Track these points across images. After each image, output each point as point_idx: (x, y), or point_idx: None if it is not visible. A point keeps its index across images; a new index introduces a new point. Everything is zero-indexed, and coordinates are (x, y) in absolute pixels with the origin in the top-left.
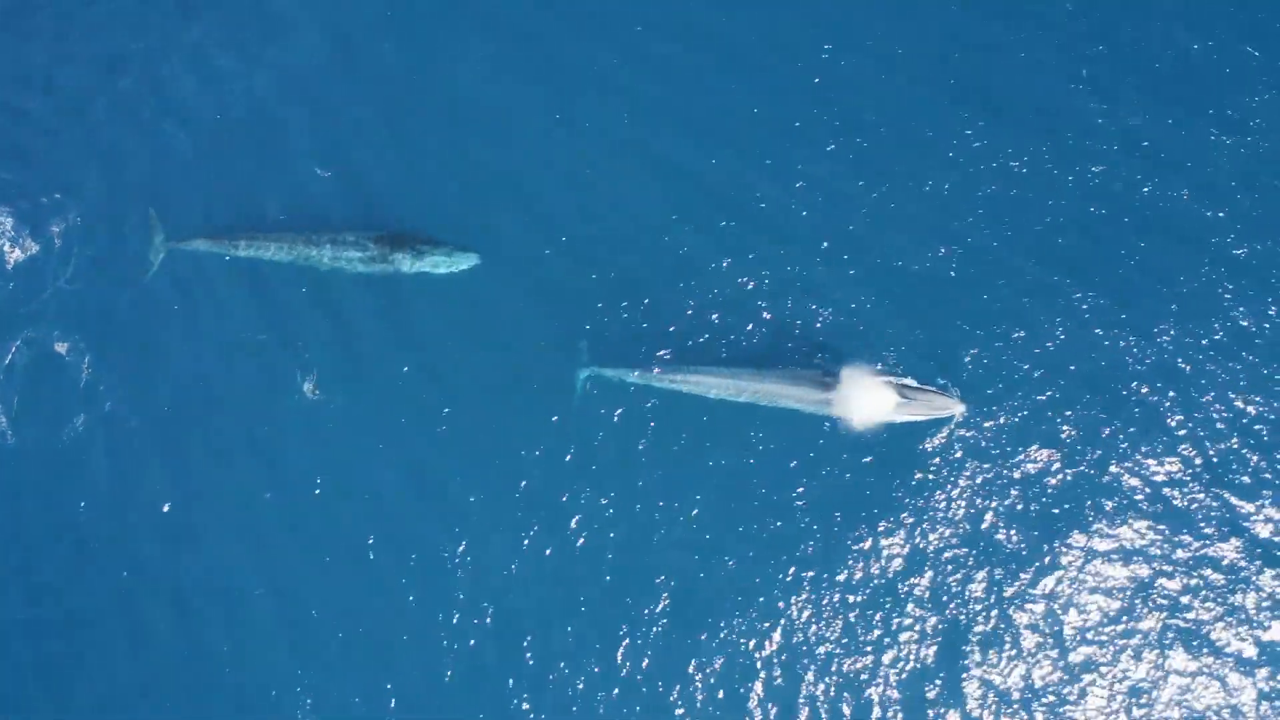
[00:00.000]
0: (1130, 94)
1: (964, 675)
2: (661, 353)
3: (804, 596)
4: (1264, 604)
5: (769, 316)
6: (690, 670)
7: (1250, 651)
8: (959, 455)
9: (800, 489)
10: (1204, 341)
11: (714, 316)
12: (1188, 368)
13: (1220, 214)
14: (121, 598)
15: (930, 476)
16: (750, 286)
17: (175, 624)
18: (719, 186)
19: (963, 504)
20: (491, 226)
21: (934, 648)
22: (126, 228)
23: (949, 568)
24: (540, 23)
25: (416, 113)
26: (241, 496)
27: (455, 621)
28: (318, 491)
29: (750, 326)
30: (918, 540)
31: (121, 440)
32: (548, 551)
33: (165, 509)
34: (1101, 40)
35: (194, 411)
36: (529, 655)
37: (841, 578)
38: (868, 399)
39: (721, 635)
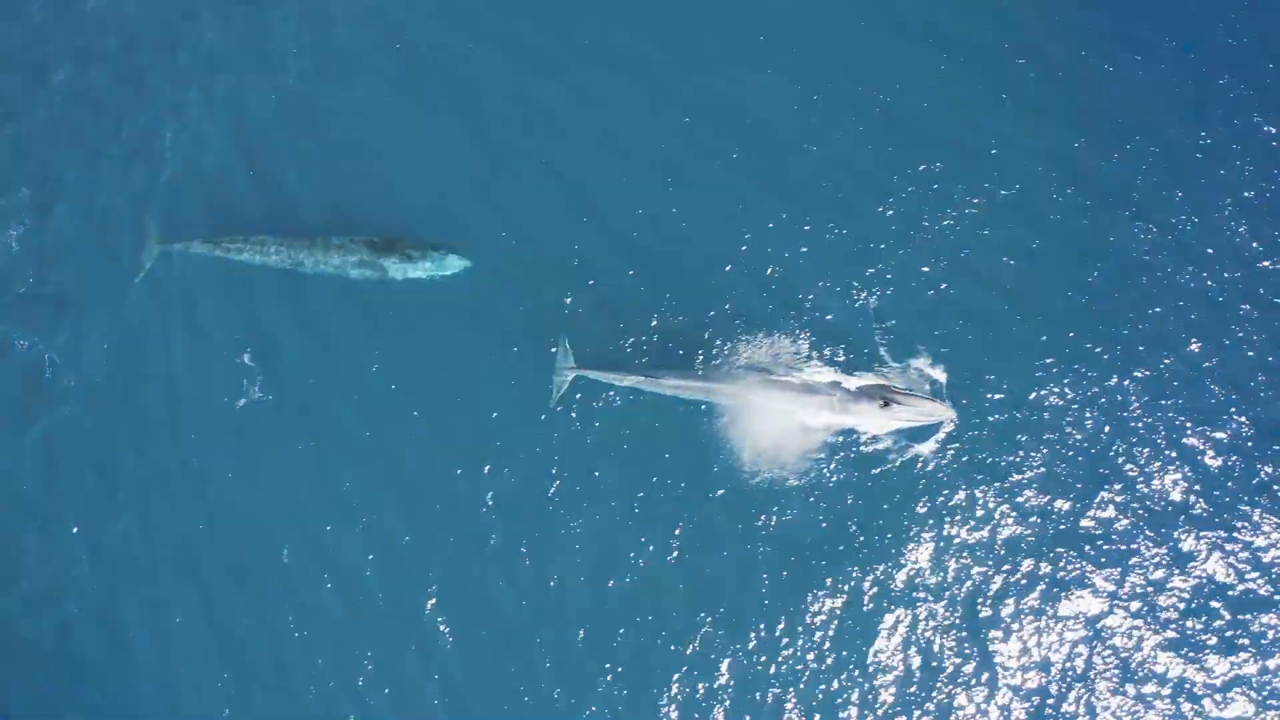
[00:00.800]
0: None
1: (958, 681)
2: (649, 357)
3: (797, 603)
4: (1223, 629)
5: (761, 323)
6: (684, 680)
7: (1248, 665)
8: (952, 461)
9: (793, 494)
10: (1206, 352)
11: (705, 321)
12: (1185, 375)
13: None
14: (55, 612)
15: (923, 482)
16: (742, 292)
17: (107, 645)
18: (710, 189)
19: (956, 509)
20: (475, 228)
21: (924, 652)
22: (121, 228)
23: (943, 573)
24: (529, 26)
25: (406, 118)
26: (219, 498)
27: (417, 634)
28: (287, 493)
29: (741, 332)
30: (911, 545)
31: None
32: (537, 555)
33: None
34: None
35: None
36: (511, 667)
37: (833, 584)
38: (860, 405)
39: (717, 641)
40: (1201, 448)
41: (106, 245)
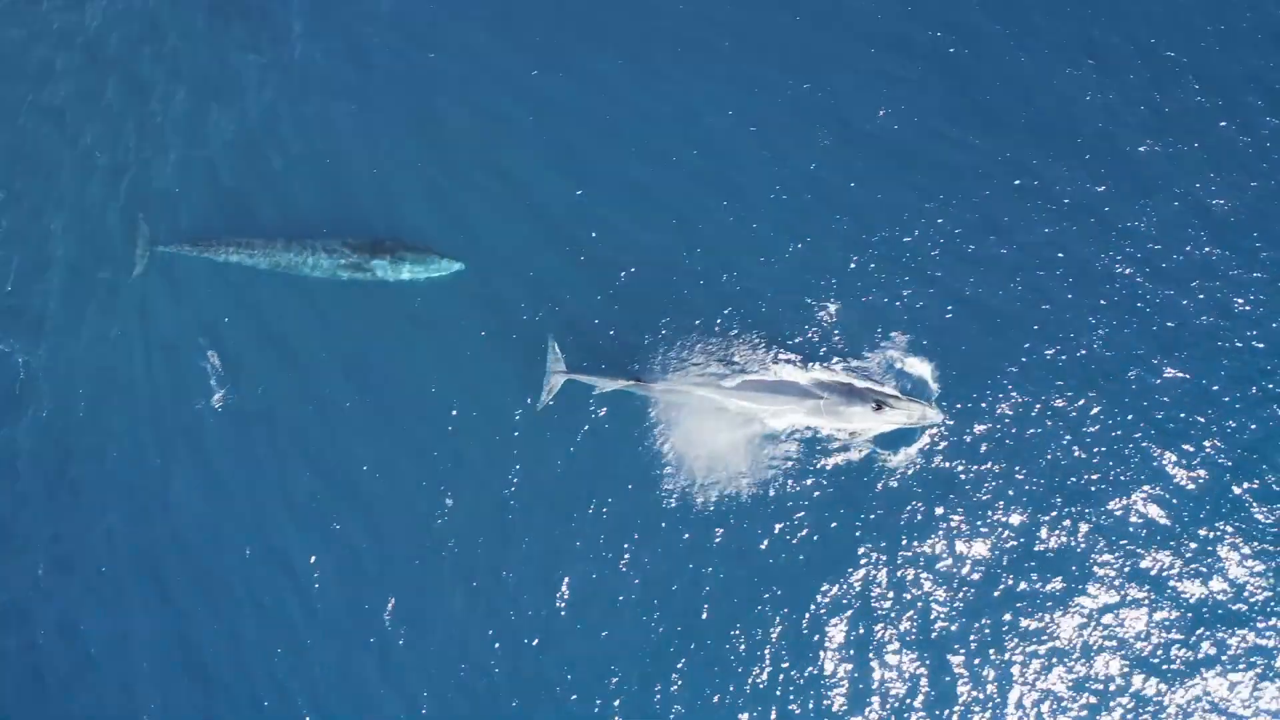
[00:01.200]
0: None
1: (955, 680)
2: (644, 360)
3: (782, 605)
4: (1260, 610)
5: (746, 326)
6: (687, 678)
7: (1249, 653)
8: (944, 463)
9: (776, 498)
10: (1202, 345)
11: (698, 324)
12: (1154, 384)
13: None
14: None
15: (914, 484)
16: (735, 295)
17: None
18: (706, 193)
19: (950, 510)
20: (466, 232)
21: (926, 652)
22: (106, 232)
23: (938, 574)
24: (530, 29)
25: (398, 119)
26: (211, 500)
27: (401, 630)
28: (277, 492)
29: (735, 335)
30: (898, 548)
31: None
32: (521, 558)
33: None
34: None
35: (149, 419)
36: (513, 668)
37: (820, 587)
38: (851, 408)
39: (716, 642)
40: (1170, 460)
41: (96, 250)
